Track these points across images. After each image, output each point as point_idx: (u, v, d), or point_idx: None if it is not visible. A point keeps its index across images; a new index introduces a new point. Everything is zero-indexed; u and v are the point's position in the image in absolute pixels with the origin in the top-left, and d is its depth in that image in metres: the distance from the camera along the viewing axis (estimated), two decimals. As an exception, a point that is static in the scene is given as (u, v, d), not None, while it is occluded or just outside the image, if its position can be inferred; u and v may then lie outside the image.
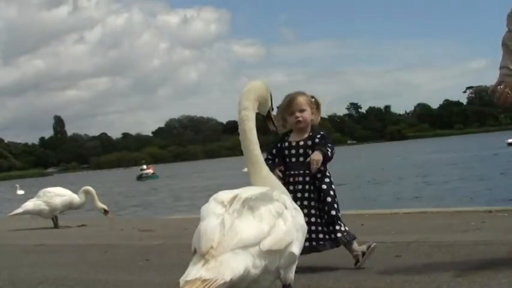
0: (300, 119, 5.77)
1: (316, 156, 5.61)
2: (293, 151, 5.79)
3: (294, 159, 5.79)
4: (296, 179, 5.74)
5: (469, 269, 5.40)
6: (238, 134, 4.10)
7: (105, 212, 14.12)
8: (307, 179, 5.73)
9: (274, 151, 5.83)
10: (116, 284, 6.15)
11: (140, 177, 75.46)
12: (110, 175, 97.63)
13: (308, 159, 5.65)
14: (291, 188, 5.66)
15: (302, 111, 5.79)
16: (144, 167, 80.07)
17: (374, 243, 5.82)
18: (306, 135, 5.82)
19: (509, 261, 5.67)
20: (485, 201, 18.51)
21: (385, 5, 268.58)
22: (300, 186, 5.73)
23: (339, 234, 5.71)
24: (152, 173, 76.94)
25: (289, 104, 5.82)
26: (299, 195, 5.69)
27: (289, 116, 5.82)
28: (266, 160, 5.34)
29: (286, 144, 5.81)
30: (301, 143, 5.79)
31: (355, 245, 5.80)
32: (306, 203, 5.67)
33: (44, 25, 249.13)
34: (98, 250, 8.99)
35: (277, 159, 5.80)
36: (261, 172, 4.06)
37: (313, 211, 5.69)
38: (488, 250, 6.28)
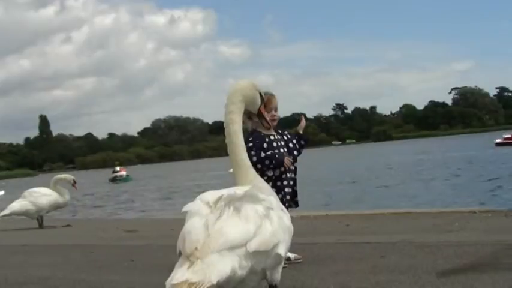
0: (276, 117, 6.53)
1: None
2: (279, 143, 6.47)
3: (281, 150, 6.44)
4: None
5: (454, 269, 5.43)
6: (225, 136, 4.10)
7: (74, 182, 14.58)
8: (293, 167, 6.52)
9: (265, 145, 6.36)
10: (101, 285, 6.13)
11: (114, 179, 71.14)
12: (93, 176, 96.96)
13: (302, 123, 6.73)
14: (288, 175, 6.41)
15: (276, 110, 6.55)
16: (118, 168, 75.55)
17: (301, 260, 6.43)
18: (274, 132, 6.54)
19: (493, 262, 5.71)
20: (470, 202, 18.59)
21: (371, 6, 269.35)
22: (292, 174, 6.50)
23: None
24: (126, 175, 72.57)
25: (268, 102, 6.33)
26: (290, 182, 6.46)
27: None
28: (261, 153, 6.25)
29: (272, 137, 6.45)
30: (278, 136, 6.52)
31: None
32: (291, 189, 6.46)
33: (30, 25, 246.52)
34: (83, 250, 8.96)
35: (271, 151, 6.35)
36: (248, 176, 4.05)
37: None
38: (472, 250, 6.32)
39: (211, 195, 3.61)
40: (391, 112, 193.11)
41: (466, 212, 10.68)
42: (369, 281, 5.20)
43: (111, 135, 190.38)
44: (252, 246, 3.33)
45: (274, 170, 6.34)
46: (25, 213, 14.08)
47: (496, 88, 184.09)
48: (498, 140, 70.27)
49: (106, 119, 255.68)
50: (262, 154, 6.28)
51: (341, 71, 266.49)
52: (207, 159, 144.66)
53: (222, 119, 4.15)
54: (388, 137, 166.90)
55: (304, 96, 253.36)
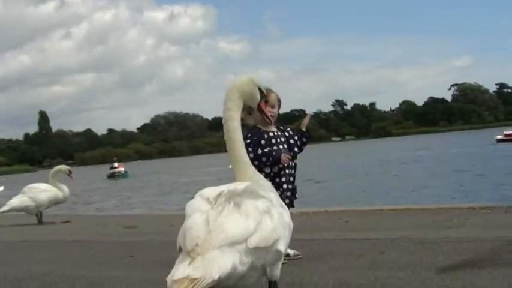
0: (272, 114, 6.25)
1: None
2: (279, 139, 6.43)
3: (280, 146, 6.39)
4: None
5: (453, 266, 5.43)
6: (224, 132, 4.09)
7: (70, 172, 14.79)
8: (293, 164, 6.50)
9: (263, 142, 6.31)
10: (100, 281, 6.13)
11: (112, 176, 69.74)
12: (92, 171, 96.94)
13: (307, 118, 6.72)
14: (287, 171, 6.36)
15: (273, 107, 6.37)
16: (115, 164, 74.15)
17: (300, 257, 6.40)
18: (274, 128, 6.48)
19: (493, 258, 5.71)
20: (470, 198, 18.59)
21: (370, 2, 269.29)
22: (292, 170, 6.46)
23: None
24: (124, 171, 71.34)
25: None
26: (290, 178, 6.41)
27: None
28: (258, 150, 6.21)
29: (272, 134, 6.41)
30: (279, 133, 6.48)
31: None
32: (291, 186, 6.42)
33: (30, 21, 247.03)
34: (82, 246, 8.96)
35: (268, 148, 6.31)
36: (247, 172, 4.05)
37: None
38: (471, 246, 6.32)
39: (211, 191, 3.62)
40: (390, 108, 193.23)
41: (465, 208, 10.66)
42: (368, 277, 5.21)
43: (111, 131, 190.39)
44: (253, 242, 3.34)
45: (272, 167, 6.30)
46: (24, 209, 14.09)
47: (496, 84, 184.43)
48: (499, 136, 70.33)
49: (105, 115, 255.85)
50: (259, 151, 6.24)
51: (340, 67, 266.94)
52: (206, 155, 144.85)
53: (221, 115, 4.14)
54: (388, 134, 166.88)
55: (304, 92, 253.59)
